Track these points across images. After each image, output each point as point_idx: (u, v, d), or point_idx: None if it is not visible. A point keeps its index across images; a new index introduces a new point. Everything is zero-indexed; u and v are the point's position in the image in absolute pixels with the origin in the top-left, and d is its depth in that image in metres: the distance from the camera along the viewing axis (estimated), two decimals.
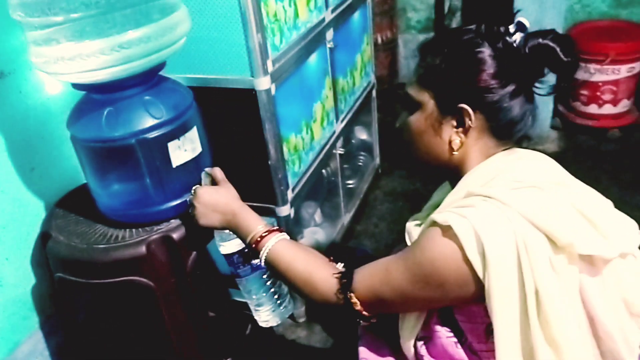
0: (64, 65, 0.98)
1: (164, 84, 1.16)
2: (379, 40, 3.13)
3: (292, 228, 1.64)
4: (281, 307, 1.14)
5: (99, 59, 0.97)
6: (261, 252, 0.99)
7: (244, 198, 1.08)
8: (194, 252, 1.20)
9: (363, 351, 1.05)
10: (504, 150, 0.92)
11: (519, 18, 0.88)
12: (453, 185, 0.94)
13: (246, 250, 1.07)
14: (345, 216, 2.13)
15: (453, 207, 0.83)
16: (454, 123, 0.90)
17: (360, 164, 2.44)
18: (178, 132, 1.12)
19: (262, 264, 1.00)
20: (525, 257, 0.76)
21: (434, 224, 0.82)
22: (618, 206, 0.90)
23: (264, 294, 1.12)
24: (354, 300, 0.90)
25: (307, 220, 1.98)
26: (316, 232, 1.98)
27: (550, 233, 0.77)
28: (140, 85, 1.09)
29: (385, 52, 3.25)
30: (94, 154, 1.12)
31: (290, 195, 1.57)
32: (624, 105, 2.70)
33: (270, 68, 1.36)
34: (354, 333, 1.09)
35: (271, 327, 1.19)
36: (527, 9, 2.02)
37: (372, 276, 0.89)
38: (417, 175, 2.47)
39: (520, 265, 0.76)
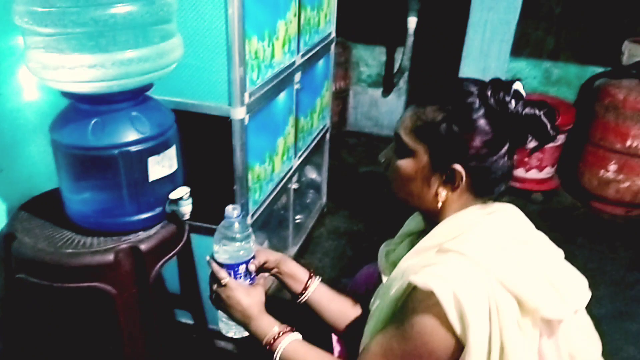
0: (64, 73, 1.04)
1: (149, 103, 1.22)
2: (333, 89, 3.32)
3: None
4: None
5: (98, 71, 1.04)
6: (275, 353, 1.01)
7: (205, 219, 1.12)
8: (158, 265, 1.25)
9: None
10: (481, 203, 0.97)
11: (515, 87, 0.92)
12: (427, 223, 1.01)
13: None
14: (292, 249, 2.21)
15: (430, 267, 0.88)
16: (444, 178, 0.94)
17: (308, 201, 2.55)
18: (159, 149, 1.18)
19: None
20: (496, 317, 0.83)
21: (415, 289, 0.87)
22: None
23: None
24: None
25: None
26: None
27: (519, 297, 0.83)
28: (129, 101, 1.16)
29: (337, 100, 3.45)
30: (74, 161, 1.16)
31: (249, 221, 1.65)
32: (547, 172, 2.98)
33: (246, 100, 1.46)
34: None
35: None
36: (470, 76, 2.22)
37: None
38: (360, 218, 2.61)
39: (491, 323, 0.83)
